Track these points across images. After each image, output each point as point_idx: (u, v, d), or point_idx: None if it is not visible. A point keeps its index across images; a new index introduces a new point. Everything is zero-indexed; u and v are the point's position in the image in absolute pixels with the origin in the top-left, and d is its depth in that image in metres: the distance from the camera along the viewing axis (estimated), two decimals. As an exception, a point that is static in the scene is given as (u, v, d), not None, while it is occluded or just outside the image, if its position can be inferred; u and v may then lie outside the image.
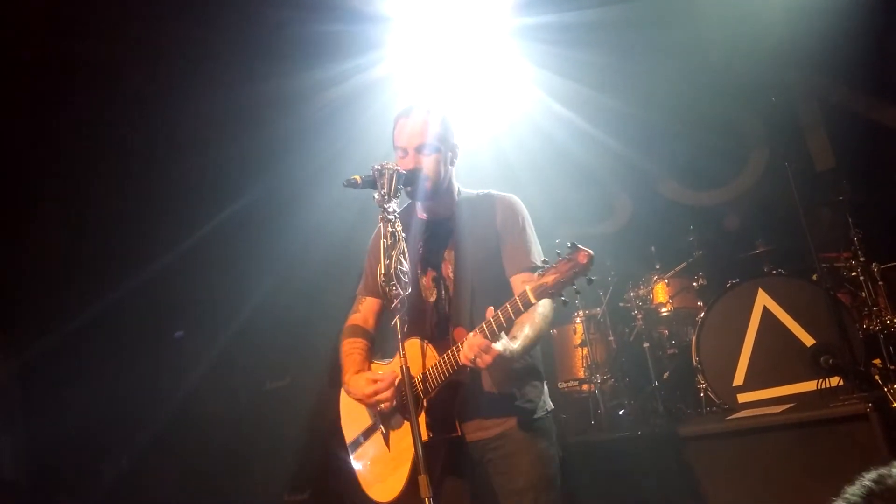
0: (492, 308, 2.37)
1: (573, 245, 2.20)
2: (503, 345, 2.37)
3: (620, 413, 5.37)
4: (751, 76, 5.89)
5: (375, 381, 2.66)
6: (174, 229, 5.64)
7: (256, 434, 6.03)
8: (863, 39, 5.49)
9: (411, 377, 2.50)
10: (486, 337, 2.35)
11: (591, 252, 2.18)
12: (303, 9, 4.58)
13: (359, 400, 2.76)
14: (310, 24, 4.71)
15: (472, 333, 2.37)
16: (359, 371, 2.81)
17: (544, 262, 2.24)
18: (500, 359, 2.36)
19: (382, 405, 2.68)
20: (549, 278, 2.23)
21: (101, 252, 5.70)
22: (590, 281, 2.24)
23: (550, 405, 2.80)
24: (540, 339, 2.62)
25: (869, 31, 5.45)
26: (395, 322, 2.33)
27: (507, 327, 2.40)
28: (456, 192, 2.87)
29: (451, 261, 2.76)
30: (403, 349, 2.34)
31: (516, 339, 2.47)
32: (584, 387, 5.50)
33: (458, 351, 2.42)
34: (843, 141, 6.14)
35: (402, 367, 2.34)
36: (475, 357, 2.33)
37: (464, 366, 2.41)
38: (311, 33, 4.78)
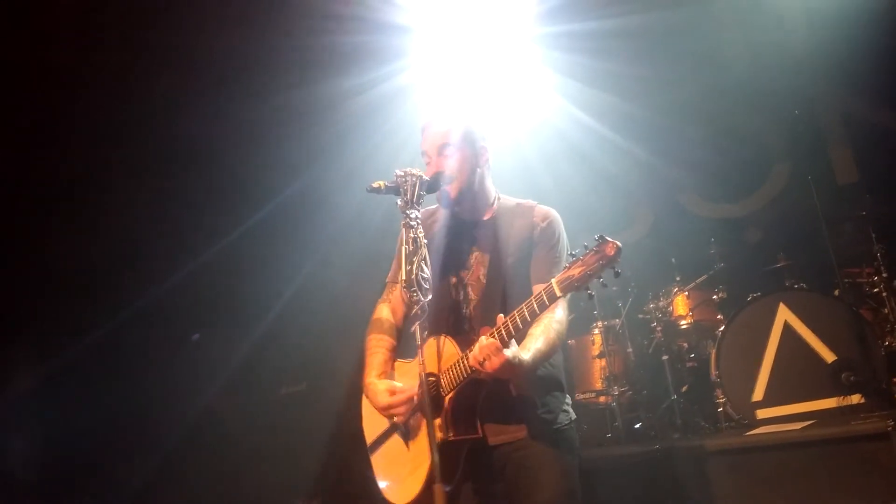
0: (501, 316, 2.36)
1: (601, 237, 2.19)
2: (513, 352, 2.35)
3: (637, 426, 5.33)
4: (774, 88, 5.86)
5: (393, 394, 2.66)
6: (200, 235, 5.72)
7: (270, 439, 6.04)
8: (887, 53, 5.44)
9: (430, 381, 2.52)
10: (504, 338, 2.34)
11: (618, 243, 2.18)
12: (329, 20, 4.69)
13: (374, 407, 2.76)
14: (336, 36, 4.81)
15: (485, 336, 2.35)
16: (382, 373, 2.79)
17: (571, 255, 2.23)
18: (508, 365, 2.32)
19: (395, 418, 2.69)
20: (576, 270, 2.22)
21: (123, 256, 5.77)
22: (617, 273, 2.23)
23: (573, 415, 2.76)
24: (552, 354, 2.58)
25: (892, 45, 5.41)
26: (416, 328, 2.33)
27: (530, 321, 2.37)
28: (492, 197, 2.85)
29: (484, 263, 2.74)
30: (423, 356, 2.34)
31: (528, 351, 2.43)
32: (602, 398, 5.46)
33: (470, 353, 2.39)
34: (867, 155, 6.09)
35: (420, 375, 2.34)
36: (484, 359, 2.31)
37: (475, 369, 2.39)
38: (338, 44, 4.88)
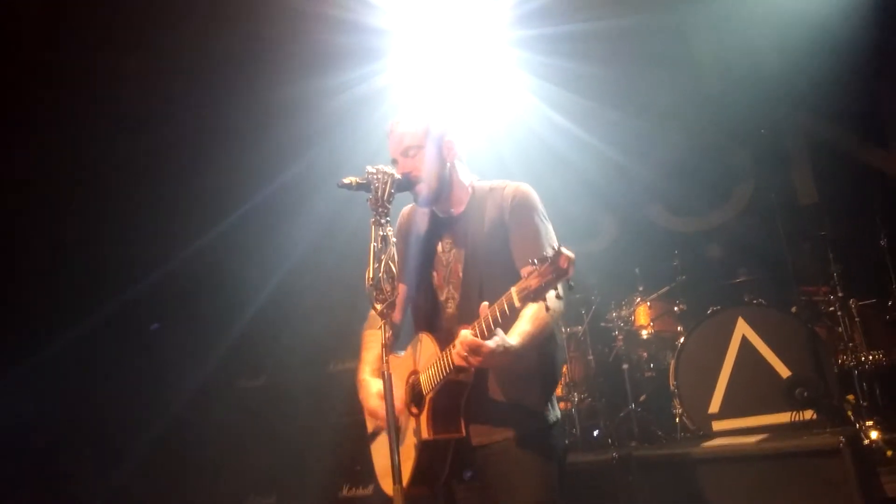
0: (486, 304, 2.31)
1: (557, 249, 2.14)
2: (496, 341, 2.30)
3: (595, 434, 5.37)
4: (742, 105, 5.97)
5: (382, 399, 2.58)
6: (174, 233, 5.72)
7: (225, 433, 5.96)
8: (851, 82, 5.61)
9: (413, 379, 2.55)
10: (477, 335, 2.30)
11: (571, 255, 2.12)
12: (308, 21, 4.68)
13: (363, 406, 2.76)
14: (313, 36, 4.81)
15: (464, 331, 2.30)
16: (375, 369, 2.75)
17: (532, 263, 2.19)
18: (493, 356, 2.29)
19: (380, 422, 2.69)
20: (534, 281, 2.16)
21: (94, 256, 5.69)
22: (570, 286, 2.17)
23: (557, 414, 2.67)
24: (544, 335, 2.50)
25: (857, 75, 5.57)
26: (382, 326, 2.31)
27: (500, 322, 2.31)
28: (468, 188, 2.81)
29: (461, 259, 2.71)
30: (387, 354, 2.31)
31: (515, 336, 2.37)
32: (561, 405, 5.48)
33: (453, 350, 2.35)
34: (827, 178, 6.25)
35: (383, 374, 2.30)
36: (467, 355, 2.28)
37: (460, 365, 2.35)
38: (315, 45, 4.87)
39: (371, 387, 2.70)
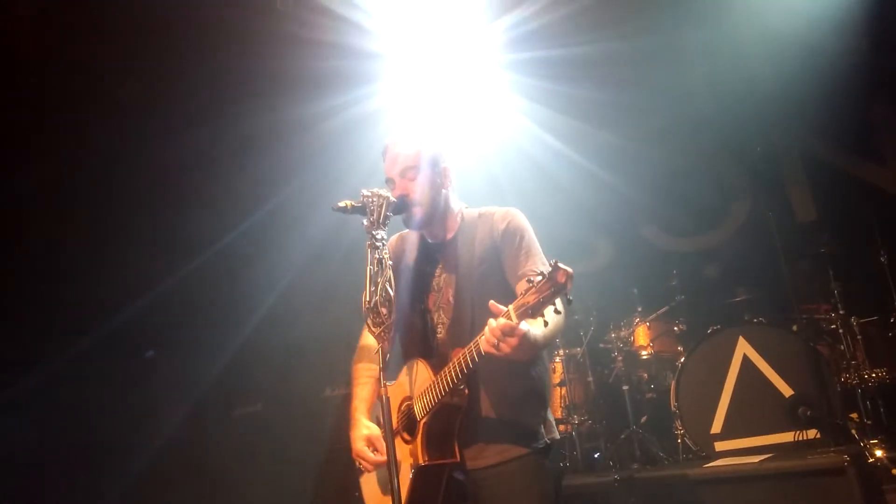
0: (493, 303, 2.23)
1: (554, 264, 2.11)
2: (526, 328, 2.21)
3: (596, 456, 5.32)
4: (736, 124, 6.00)
5: (370, 445, 2.65)
6: (166, 256, 5.72)
7: (221, 460, 5.89)
8: (844, 99, 5.63)
9: (406, 405, 2.54)
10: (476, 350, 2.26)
11: (569, 270, 2.09)
12: (301, 45, 4.73)
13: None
14: (308, 60, 4.84)
15: (494, 321, 2.21)
16: (368, 407, 2.76)
17: (529, 280, 2.17)
18: (526, 342, 2.20)
19: (360, 465, 2.71)
20: (531, 297, 2.14)
21: (82, 277, 5.67)
22: (569, 301, 2.17)
23: (554, 434, 2.64)
24: (556, 336, 2.47)
25: (850, 91, 5.60)
26: (379, 351, 2.29)
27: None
28: (458, 214, 2.82)
29: (452, 284, 2.71)
30: (385, 379, 2.29)
31: (538, 328, 2.26)
32: (561, 427, 5.43)
33: (477, 343, 2.28)
34: (825, 195, 6.25)
35: (381, 398, 2.28)
36: (498, 342, 2.18)
37: (488, 352, 2.24)
38: (310, 68, 4.90)
39: (361, 428, 2.70)
